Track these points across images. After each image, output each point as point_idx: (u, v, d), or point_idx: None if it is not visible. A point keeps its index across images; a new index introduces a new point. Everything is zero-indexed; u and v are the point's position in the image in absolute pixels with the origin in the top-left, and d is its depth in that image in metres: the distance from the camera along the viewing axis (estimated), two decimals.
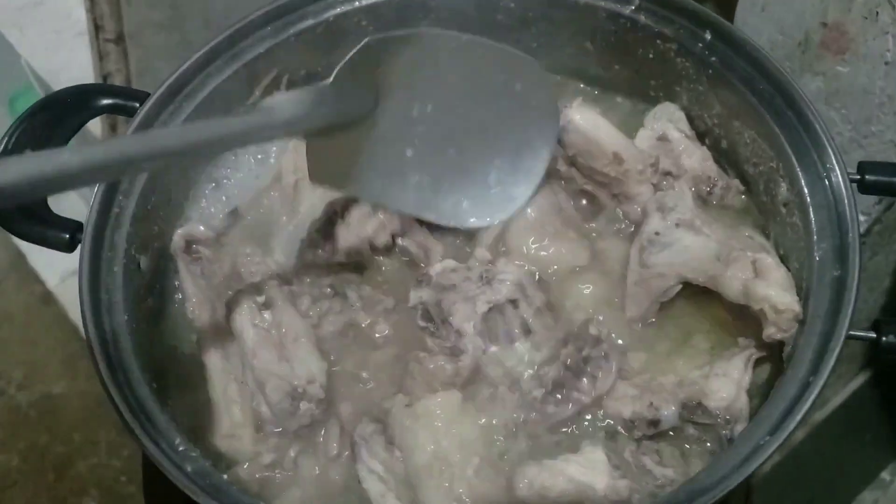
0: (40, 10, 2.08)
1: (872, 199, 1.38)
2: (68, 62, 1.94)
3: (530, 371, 1.07)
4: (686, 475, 1.02)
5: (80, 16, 1.59)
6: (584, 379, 1.05)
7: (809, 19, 1.28)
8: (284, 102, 0.95)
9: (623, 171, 1.18)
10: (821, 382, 0.92)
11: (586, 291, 1.18)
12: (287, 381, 1.04)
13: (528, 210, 1.19)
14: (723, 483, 0.87)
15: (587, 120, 1.17)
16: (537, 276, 1.16)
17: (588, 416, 1.08)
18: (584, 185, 1.23)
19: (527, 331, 1.09)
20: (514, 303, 1.10)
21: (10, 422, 2.35)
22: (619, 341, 1.13)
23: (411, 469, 1.02)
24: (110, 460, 2.29)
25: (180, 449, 0.94)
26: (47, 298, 2.49)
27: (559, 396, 1.06)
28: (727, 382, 1.04)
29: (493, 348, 1.08)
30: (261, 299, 1.11)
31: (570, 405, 1.05)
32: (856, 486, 2.05)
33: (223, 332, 1.13)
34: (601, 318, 1.14)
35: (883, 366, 1.85)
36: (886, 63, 1.21)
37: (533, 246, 1.19)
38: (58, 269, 2.48)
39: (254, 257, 1.18)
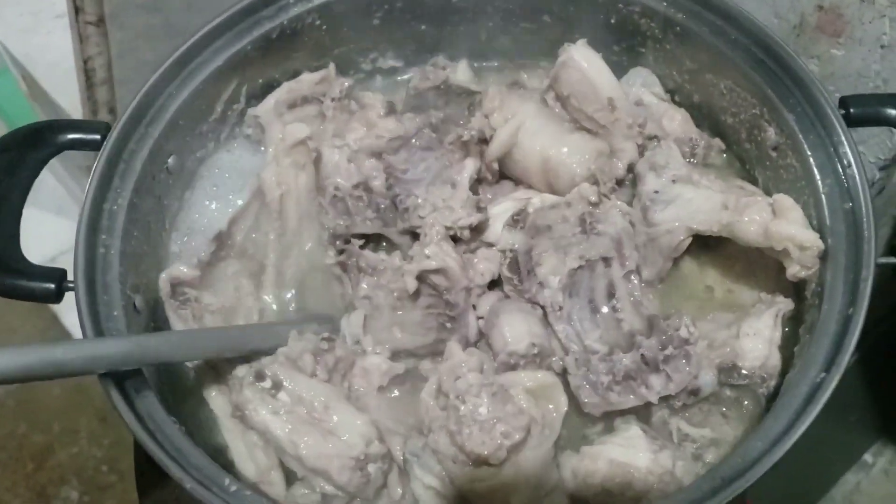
0: None
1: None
2: (46, 45, 1.85)
3: (603, 350, 1.04)
4: (725, 434, 1.03)
5: None
6: (656, 376, 1.01)
7: (805, 2, 1.28)
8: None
9: (613, 120, 1.18)
10: (862, 313, 0.93)
11: None
12: (347, 457, 0.96)
13: (528, 122, 1.17)
14: (795, 426, 0.87)
15: (588, 60, 1.16)
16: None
17: None
18: (571, 127, 1.21)
19: (611, 294, 1.06)
20: (606, 261, 1.07)
21: None
22: None
23: None
24: (91, 449, 2.25)
25: (232, 489, 0.89)
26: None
27: (624, 387, 1.02)
28: (759, 341, 1.04)
29: (571, 310, 1.06)
30: (266, 384, 1.01)
31: (633, 397, 1.02)
32: (839, 467, 2.06)
33: (225, 375, 1.07)
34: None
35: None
36: (882, 46, 1.22)
37: (549, 143, 1.16)
38: (35, 257, 2.36)
39: None
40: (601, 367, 1.02)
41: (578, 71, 1.16)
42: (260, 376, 1.01)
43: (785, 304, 1.06)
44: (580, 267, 1.07)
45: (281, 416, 0.99)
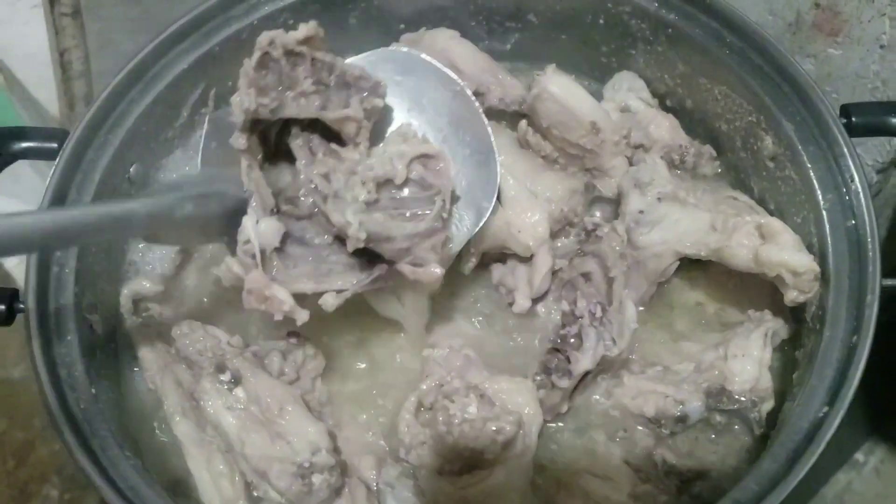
0: None
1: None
2: (23, 36, 1.76)
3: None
4: (713, 464, 0.97)
5: None
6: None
7: None
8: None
9: (599, 143, 1.11)
10: (867, 342, 0.88)
11: None
12: (290, 462, 0.91)
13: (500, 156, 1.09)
14: (795, 468, 0.82)
15: (563, 88, 1.09)
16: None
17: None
18: (556, 157, 1.15)
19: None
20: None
21: None
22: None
23: None
24: None
25: None
26: (6, 280, 2.33)
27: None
28: (748, 362, 0.98)
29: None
30: (225, 377, 0.96)
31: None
32: (830, 467, 2.02)
33: (191, 398, 1.00)
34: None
35: None
36: (882, 46, 1.16)
37: (527, 180, 1.11)
38: None
39: (194, 334, 1.03)
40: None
41: (555, 102, 1.09)
42: (221, 368, 0.97)
43: (773, 323, 1.01)
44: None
45: (234, 412, 0.95)
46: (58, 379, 0.90)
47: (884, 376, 1.79)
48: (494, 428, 0.91)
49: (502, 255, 1.10)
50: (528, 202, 1.09)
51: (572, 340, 0.99)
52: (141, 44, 1.11)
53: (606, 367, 1.01)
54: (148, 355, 1.04)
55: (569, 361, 0.98)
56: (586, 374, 0.99)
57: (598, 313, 1.00)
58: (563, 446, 1.00)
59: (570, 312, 1.02)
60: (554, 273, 1.08)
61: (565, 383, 0.98)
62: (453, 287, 1.10)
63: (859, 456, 2.07)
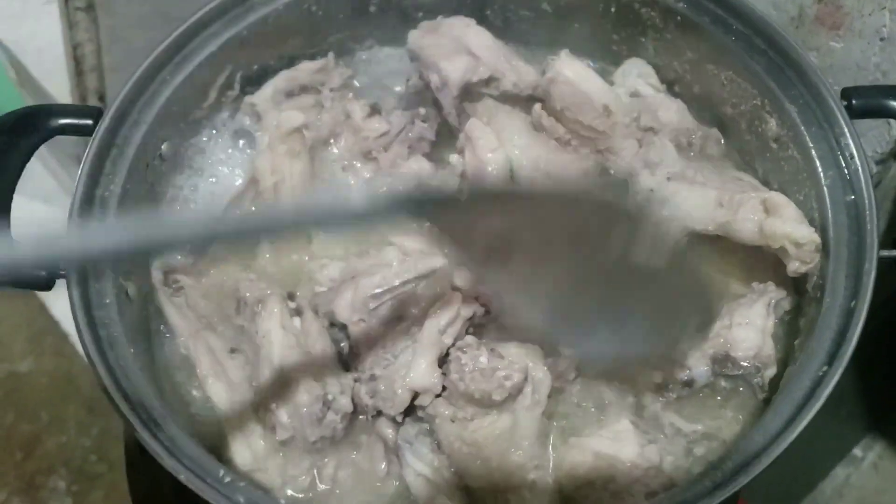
0: None
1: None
2: (35, 31, 1.80)
3: None
4: (719, 428, 1.02)
5: None
6: None
7: None
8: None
9: (611, 125, 1.17)
10: (865, 306, 0.92)
11: None
12: (318, 384, 0.98)
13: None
14: (796, 420, 0.87)
15: (576, 72, 1.14)
16: None
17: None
18: (569, 139, 1.20)
19: None
20: None
21: None
22: None
23: (468, 482, 0.98)
24: (79, 438, 2.20)
25: (226, 480, 0.87)
26: None
27: None
28: (751, 330, 1.03)
29: None
30: (293, 305, 1.05)
31: None
32: (829, 462, 2.04)
33: (223, 359, 1.06)
34: None
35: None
36: (882, 39, 1.21)
37: (541, 162, 1.16)
38: None
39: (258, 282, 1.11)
40: None
41: (569, 84, 1.15)
42: (291, 297, 1.08)
43: (776, 294, 1.06)
44: None
45: (286, 332, 1.02)
46: (98, 337, 0.95)
47: (882, 373, 1.84)
48: (503, 374, 0.97)
49: None
50: None
51: None
52: (153, 38, 1.15)
53: None
54: (180, 323, 1.09)
55: None
56: None
57: None
58: (574, 410, 1.05)
59: None
60: None
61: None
62: None
63: (858, 451, 2.11)
